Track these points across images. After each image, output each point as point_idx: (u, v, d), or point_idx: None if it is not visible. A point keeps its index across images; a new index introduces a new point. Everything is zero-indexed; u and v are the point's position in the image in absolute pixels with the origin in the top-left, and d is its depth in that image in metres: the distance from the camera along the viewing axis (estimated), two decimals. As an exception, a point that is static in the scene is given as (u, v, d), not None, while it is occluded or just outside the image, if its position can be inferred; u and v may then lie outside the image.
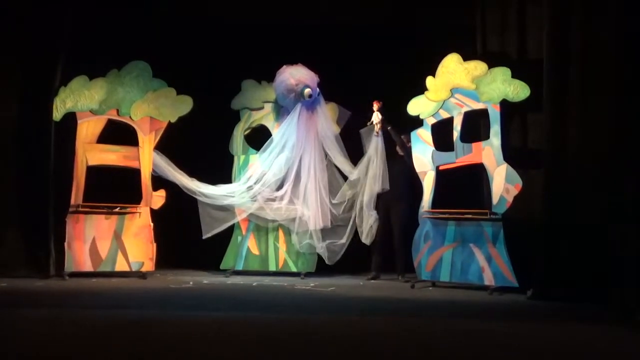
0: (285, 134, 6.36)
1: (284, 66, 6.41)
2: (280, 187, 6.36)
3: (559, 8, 5.03)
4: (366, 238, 6.12)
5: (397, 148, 6.28)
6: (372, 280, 6.20)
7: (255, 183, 6.32)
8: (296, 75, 6.28)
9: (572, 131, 4.94)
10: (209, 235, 6.30)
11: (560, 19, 5.01)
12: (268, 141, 6.49)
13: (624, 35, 4.74)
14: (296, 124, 6.33)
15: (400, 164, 6.20)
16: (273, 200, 6.32)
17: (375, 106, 6.19)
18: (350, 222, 6.21)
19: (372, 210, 6.10)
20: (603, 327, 3.93)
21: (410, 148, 6.00)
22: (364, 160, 6.22)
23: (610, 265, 4.64)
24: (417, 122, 5.95)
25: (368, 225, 6.07)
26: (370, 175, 6.12)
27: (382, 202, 6.21)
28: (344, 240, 6.19)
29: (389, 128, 6.20)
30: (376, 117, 6.17)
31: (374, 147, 6.16)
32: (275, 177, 6.33)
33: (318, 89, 6.38)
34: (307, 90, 6.23)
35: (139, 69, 6.19)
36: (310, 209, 6.20)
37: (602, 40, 4.87)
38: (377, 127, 6.15)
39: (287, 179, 6.34)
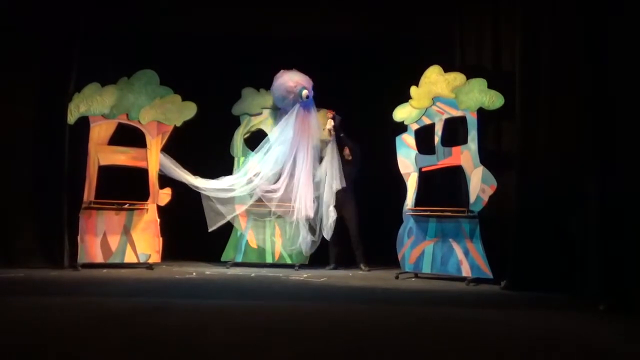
0: (284, 131, 6.33)
1: (281, 71, 6.41)
2: (277, 181, 6.30)
3: (529, 25, 5.06)
4: (327, 234, 6.16)
5: (345, 153, 6.35)
6: (334, 270, 6.25)
7: (254, 176, 6.28)
8: (294, 78, 6.31)
9: (541, 137, 4.97)
10: (214, 228, 6.26)
11: (530, 34, 5.04)
12: (264, 140, 6.45)
13: (590, 49, 4.73)
14: (294, 122, 6.30)
15: (347, 167, 6.30)
16: (270, 192, 6.28)
17: (329, 114, 6.34)
18: (319, 221, 6.23)
19: (332, 208, 6.13)
20: (569, 314, 3.95)
21: (357, 154, 6.27)
22: (322, 164, 6.29)
23: (574, 258, 4.66)
24: (402, 127, 5.98)
25: (329, 222, 6.10)
26: (329, 175, 6.19)
27: (336, 200, 6.23)
28: (315, 238, 6.24)
29: (341, 135, 6.30)
30: (329, 123, 6.30)
31: (330, 150, 6.27)
32: (272, 170, 6.29)
33: (312, 93, 6.36)
34: (305, 92, 6.24)
35: (147, 77, 6.20)
36: (300, 201, 6.17)
37: (568, 53, 4.88)
38: (330, 132, 6.27)
39: (283, 173, 6.29)
